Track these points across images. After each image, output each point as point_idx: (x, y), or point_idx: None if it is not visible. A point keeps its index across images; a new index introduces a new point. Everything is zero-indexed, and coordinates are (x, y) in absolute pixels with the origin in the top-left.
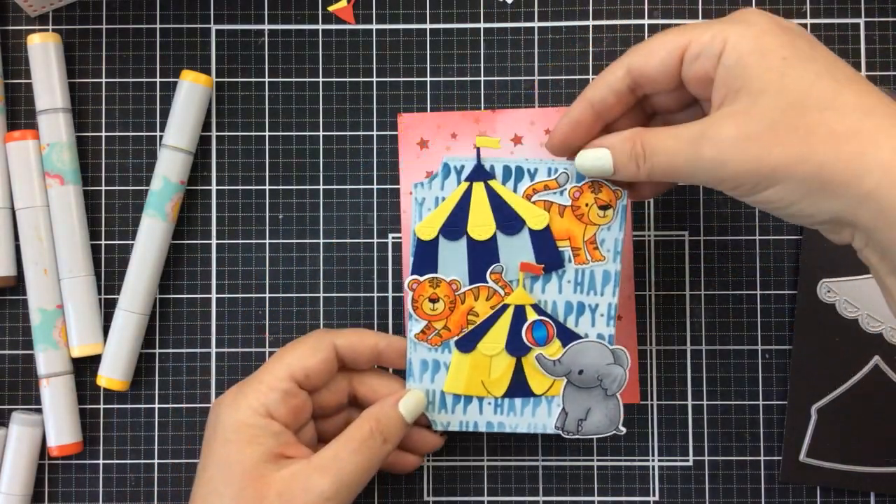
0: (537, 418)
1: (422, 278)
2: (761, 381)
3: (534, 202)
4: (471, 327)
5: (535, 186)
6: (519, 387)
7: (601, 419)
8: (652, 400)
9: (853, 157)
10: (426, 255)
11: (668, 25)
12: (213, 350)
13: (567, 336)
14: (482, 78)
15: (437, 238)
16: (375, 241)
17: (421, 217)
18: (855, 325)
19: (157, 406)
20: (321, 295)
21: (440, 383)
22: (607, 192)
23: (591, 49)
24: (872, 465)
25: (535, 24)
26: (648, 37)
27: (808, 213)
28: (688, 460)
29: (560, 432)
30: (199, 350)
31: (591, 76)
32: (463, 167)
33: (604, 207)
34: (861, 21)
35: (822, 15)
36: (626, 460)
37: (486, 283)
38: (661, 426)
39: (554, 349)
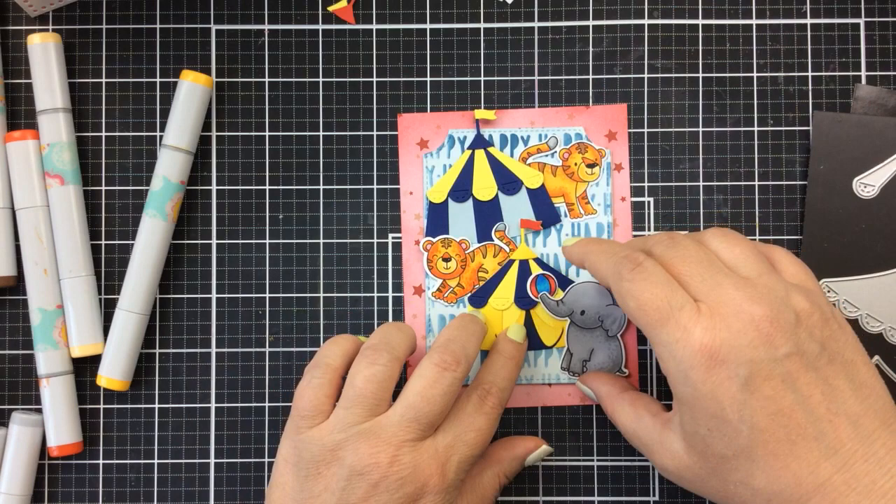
0: (550, 368)
1: (434, 239)
2: None
3: (529, 164)
4: (482, 283)
5: (529, 150)
6: (530, 339)
7: (604, 360)
8: None
9: None
10: (438, 218)
11: (668, 26)
12: (213, 350)
13: (569, 286)
14: (482, 78)
15: (446, 201)
16: (375, 241)
17: (432, 183)
18: (855, 325)
19: (157, 406)
20: (321, 295)
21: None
22: (593, 152)
23: (591, 49)
24: None
25: (535, 24)
26: (650, 50)
27: None
28: None
29: (566, 373)
30: (199, 350)
31: (590, 76)
32: (465, 137)
33: (591, 165)
34: (861, 21)
35: (822, 15)
36: (626, 460)
37: (492, 240)
38: None
39: (558, 297)
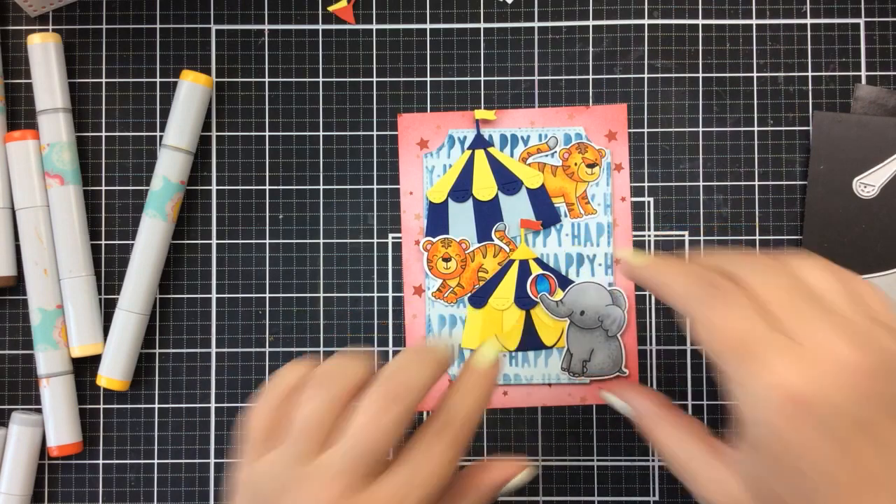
0: (550, 368)
1: (434, 239)
2: None
3: (529, 164)
4: (482, 283)
5: (529, 150)
6: (530, 340)
7: (604, 360)
8: None
9: None
10: (438, 218)
11: (668, 26)
12: (213, 350)
13: (568, 286)
14: (482, 78)
15: (446, 201)
16: (375, 241)
17: (432, 183)
18: None
19: (157, 406)
20: (321, 295)
21: (458, 337)
22: (593, 152)
23: (591, 49)
24: None
25: (535, 24)
26: (650, 50)
27: None
28: None
29: (566, 373)
30: (199, 350)
31: (590, 76)
32: (465, 137)
33: (591, 165)
34: (861, 21)
35: (822, 15)
36: (626, 460)
37: (492, 240)
38: None
39: (557, 298)
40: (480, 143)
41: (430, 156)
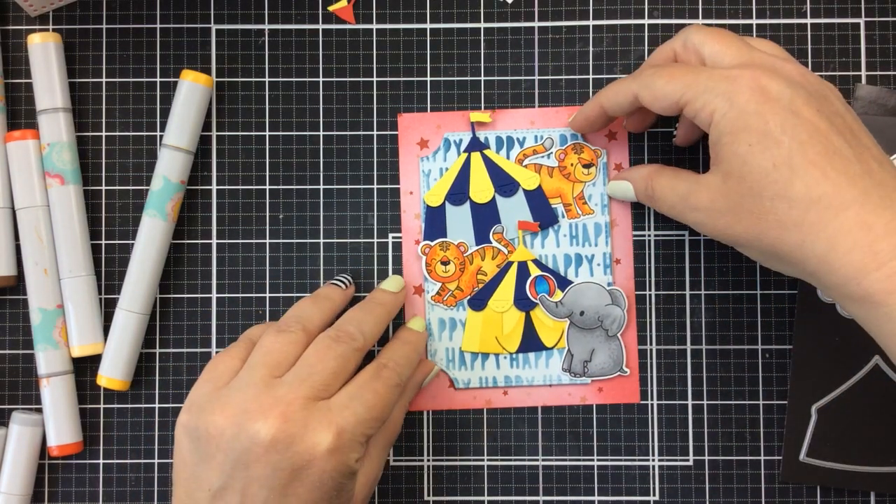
0: (550, 369)
1: (432, 243)
2: (761, 381)
3: (525, 166)
4: (481, 286)
5: (525, 152)
6: (531, 341)
7: (605, 360)
8: (652, 400)
9: (795, 245)
10: (435, 221)
11: (668, 26)
12: (213, 350)
13: (568, 287)
14: (482, 78)
15: (443, 204)
16: (375, 241)
17: (429, 186)
18: (855, 324)
19: (157, 406)
20: None
21: (458, 341)
22: (589, 152)
23: (591, 49)
24: (872, 464)
25: (535, 24)
26: (649, 50)
27: (776, 270)
28: (688, 460)
29: (567, 374)
30: (199, 350)
31: (590, 76)
32: (461, 140)
33: (587, 166)
34: (861, 21)
35: (823, 15)
36: (626, 460)
37: (490, 243)
38: (661, 426)
39: (557, 298)
40: (476, 145)
41: (426, 159)
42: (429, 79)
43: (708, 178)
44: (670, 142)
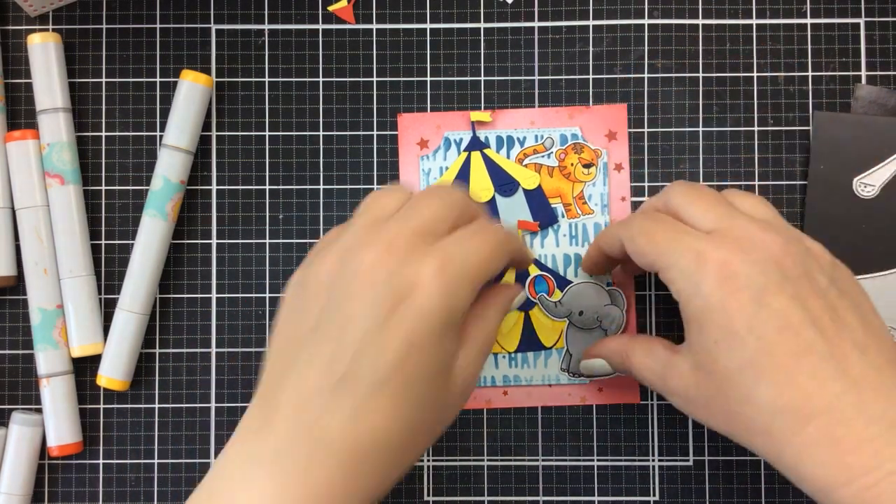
0: (549, 369)
1: None
2: None
3: (525, 165)
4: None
5: (525, 151)
6: (529, 341)
7: (605, 360)
8: (652, 400)
9: (766, 447)
10: None
11: (668, 26)
12: (213, 350)
13: (567, 287)
14: (482, 78)
15: None
16: None
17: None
18: None
19: (157, 406)
20: None
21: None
22: (589, 152)
23: (591, 49)
24: None
25: (535, 24)
26: (649, 50)
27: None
28: (688, 460)
29: (566, 374)
30: (199, 350)
31: (590, 76)
32: (461, 139)
33: (587, 166)
34: (861, 21)
35: (823, 15)
36: (626, 460)
37: None
38: (661, 426)
39: (556, 298)
40: (476, 144)
41: (426, 158)
42: (429, 79)
43: (681, 364)
44: (671, 142)
